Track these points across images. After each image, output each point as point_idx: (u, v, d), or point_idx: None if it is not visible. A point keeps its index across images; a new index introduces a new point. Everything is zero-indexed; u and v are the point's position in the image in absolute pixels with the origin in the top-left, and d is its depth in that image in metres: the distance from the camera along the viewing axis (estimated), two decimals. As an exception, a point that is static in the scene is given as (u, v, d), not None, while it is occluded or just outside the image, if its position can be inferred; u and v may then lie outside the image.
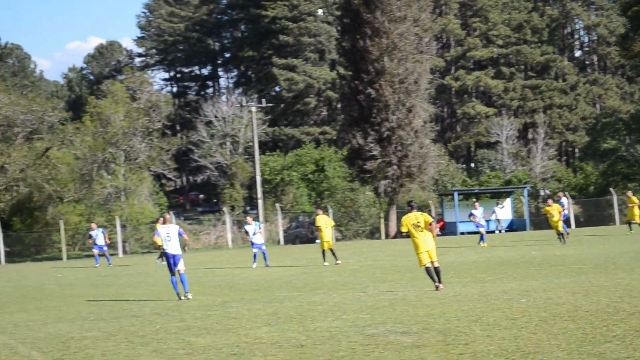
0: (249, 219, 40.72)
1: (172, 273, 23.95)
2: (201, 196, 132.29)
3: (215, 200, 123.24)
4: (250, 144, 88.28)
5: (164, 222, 24.99)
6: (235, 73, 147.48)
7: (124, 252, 71.02)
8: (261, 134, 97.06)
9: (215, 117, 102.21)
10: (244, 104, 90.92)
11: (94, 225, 52.33)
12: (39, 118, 79.65)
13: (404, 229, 22.05)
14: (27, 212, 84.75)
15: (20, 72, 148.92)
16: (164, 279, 33.53)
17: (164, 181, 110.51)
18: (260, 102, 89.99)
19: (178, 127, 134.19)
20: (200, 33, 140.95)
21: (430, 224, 21.88)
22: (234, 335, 15.86)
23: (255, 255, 38.24)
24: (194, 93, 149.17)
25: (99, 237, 48.56)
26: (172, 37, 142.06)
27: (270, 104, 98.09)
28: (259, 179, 78.07)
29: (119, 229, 69.81)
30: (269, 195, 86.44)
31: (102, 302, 24.43)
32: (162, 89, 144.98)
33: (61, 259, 66.88)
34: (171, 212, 77.00)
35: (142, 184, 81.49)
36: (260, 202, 76.71)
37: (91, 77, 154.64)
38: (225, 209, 77.82)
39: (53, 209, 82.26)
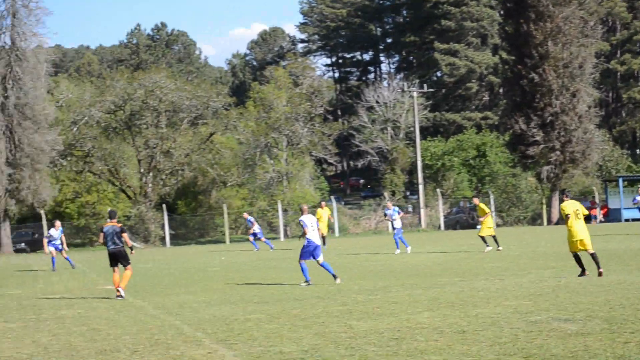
0: (389, 204, 41.67)
1: (304, 259, 24.30)
2: (361, 181, 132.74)
3: (369, 186, 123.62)
4: (411, 129, 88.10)
5: (302, 213, 25.09)
6: (396, 58, 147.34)
7: (285, 235, 71.89)
8: (422, 119, 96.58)
9: (377, 102, 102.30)
10: (405, 89, 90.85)
11: (246, 215, 53.51)
12: (203, 103, 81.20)
13: (567, 212, 21.97)
14: (191, 195, 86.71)
15: (185, 59, 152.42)
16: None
17: (325, 166, 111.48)
18: (421, 87, 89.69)
19: (339, 112, 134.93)
20: (362, 18, 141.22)
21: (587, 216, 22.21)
22: (395, 319, 15.82)
23: (397, 241, 38.32)
24: (355, 78, 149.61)
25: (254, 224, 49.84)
26: (334, 23, 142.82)
27: (432, 89, 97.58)
28: (419, 164, 77.94)
29: (280, 213, 70.73)
30: (430, 181, 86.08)
31: (264, 285, 24.75)
32: (324, 74, 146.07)
33: (224, 242, 68.19)
34: (332, 197, 77.81)
35: (303, 169, 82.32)
36: (420, 187, 76.61)
37: (254, 63, 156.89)
38: (385, 193, 77.93)
39: (217, 193, 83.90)
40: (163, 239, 72.91)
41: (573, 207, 22.07)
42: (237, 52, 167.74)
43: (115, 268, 22.72)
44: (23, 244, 68.82)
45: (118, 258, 22.52)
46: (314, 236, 24.36)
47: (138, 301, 21.65)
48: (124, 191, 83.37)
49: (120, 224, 22.86)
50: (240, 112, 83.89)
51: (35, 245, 70.22)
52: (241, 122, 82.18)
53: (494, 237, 35.72)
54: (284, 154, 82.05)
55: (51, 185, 73.69)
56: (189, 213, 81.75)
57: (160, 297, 22.41)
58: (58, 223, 38.85)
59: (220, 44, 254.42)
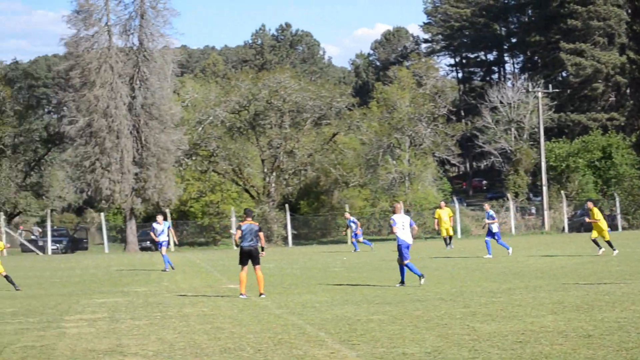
0: (486, 205, 41.59)
1: (407, 260, 24.67)
2: (484, 182, 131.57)
3: (484, 188, 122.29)
4: (536, 130, 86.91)
5: (395, 212, 25.33)
6: (521, 58, 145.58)
7: (408, 237, 71.68)
8: (547, 119, 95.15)
9: (501, 102, 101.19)
10: (529, 89, 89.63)
11: (347, 215, 54.20)
12: (327, 104, 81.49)
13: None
14: (314, 195, 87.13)
15: (309, 59, 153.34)
16: (446, 264, 33.58)
17: (447, 167, 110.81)
18: (546, 88, 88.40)
19: (463, 113, 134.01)
20: (486, 18, 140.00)
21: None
22: (519, 322, 15.65)
23: (488, 245, 38.07)
24: (479, 79, 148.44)
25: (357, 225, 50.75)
26: (458, 23, 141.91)
27: (557, 90, 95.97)
28: (544, 165, 76.86)
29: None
30: (554, 182, 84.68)
31: (386, 286, 24.71)
32: (447, 74, 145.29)
33: (346, 242, 68.32)
34: (454, 198, 77.24)
35: (426, 170, 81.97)
36: (544, 189, 75.53)
37: (377, 63, 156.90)
38: (508, 195, 77.04)
39: (339, 193, 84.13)
40: (285, 238, 73.44)
41: None
42: (361, 52, 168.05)
43: (245, 267, 22.86)
44: (148, 242, 70.10)
45: (252, 256, 22.77)
46: (404, 235, 24.69)
47: (261, 300, 21.84)
48: (247, 191, 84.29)
49: (257, 223, 23.24)
50: (363, 112, 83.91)
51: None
52: (364, 122, 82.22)
53: (608, 241, 34.99)
54: (407, 155, 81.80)
55: (176, 185, 74.98)
56: (311, 213, 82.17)
57: (282, 297, 22.58)
58: (160, 217, 38.19)
59: (344, 44, 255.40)
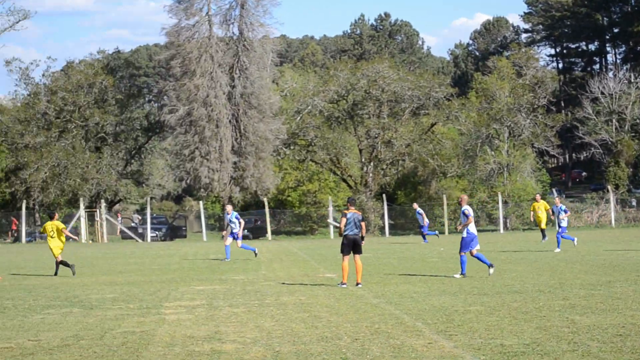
0: (557, 200, 41.44)
1: (465, 252, 25.22)
2: (583, 174, 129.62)
3: (584, 180, 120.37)
4: (638, 121, 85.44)
5: (461, 204, 25.87)
6: (623, 48, 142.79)
7: (505, 228, 71.08)
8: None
9: (602, 93, 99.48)
10: (632, 80, 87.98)
11: (415, 205, 53.81)
12: (425, 94, 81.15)
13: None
14: (411, 186, 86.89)
15: (408, 49, 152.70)
16: (545, 256, 33.18)
17: (546, 158, 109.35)
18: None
19: (563, 104, 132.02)
20: (588, 8, 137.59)
21: None
22: (619, 315, 15.44)
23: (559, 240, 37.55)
24: (579, 69, 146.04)
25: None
26: (560, 13, 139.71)
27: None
28: (645, 157, 75.48)
29: (500, 205, 70.01)
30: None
31: (483, 277, 24.52)
32: (548, 65, 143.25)
33: (443, 233, 68.00)
34: (554, 190, 76.29)
35: (525, 161, 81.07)
36: (646, 181, 74.23)
37: (477, 53, 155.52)
38: (609, 187, 75.84)
39: (436, 184, 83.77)
40: (382, 228, 73.41)
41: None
42: (460, 42, 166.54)
43: (347, 256, 22.87)
44: (246, 230, 70.66)
45: (355, 244, 22.88)
46: (472, 227, 25.20)
47: (358, 290, 21.86)
48: (344, 180, 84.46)
49: (360, 212, 23.43)
50: (462, 102, 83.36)
51: (258, 232, 72.15)
52: (463, 112, 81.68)
53: None
54: (505, 145, 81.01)
55: (274, 174, 75.46)
56: (408, 203, 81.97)
57: (380, 286, 22.56)
58: (229, 208, 38.57)
59: (443, 34, 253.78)
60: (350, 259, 22.92)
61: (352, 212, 23.02)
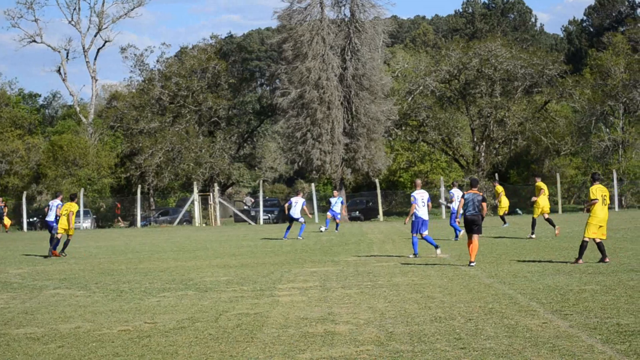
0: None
1: (415, 234, 26.71)
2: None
3: None
4: None
5: (416, 188, 27.51)
6: None
7: (620, 206, 69.87)
8: None
9: None
10: None
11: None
12: (539, 72, 80.00)
13: (593, 197, 21.89)
14: (523, 164, 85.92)
15: (520, 27, 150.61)
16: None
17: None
18: None
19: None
20: None
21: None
22: None
23: None
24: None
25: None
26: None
27: None
28: None
29: (615, 182, 68.77)
30: None
31: (598, 256, 24.11)
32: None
33: (557, 212, 67.07)
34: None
35: (640, 138, 79.40)
36: None
37: (591, 29, 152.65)
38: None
39: (550, 162, 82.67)
40: (495, 208, 72.75)
41: (603, 192, 22.08)
42: (574, 19, 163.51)
43: (471, 235, 23.21)
44: (357, 212, 70.86)
45: (473, 224, 23.22)
46: (422, 212, 26.68)
47: (471, 270, 21.74)
48: (456, 160, 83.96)
49: (481, 193, 23.88)
50: (575, 79, 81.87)
51: (369, 213, 72.21)
52: (577, 89, 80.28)
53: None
54: (620, 122, 79.44)
55: (386, 155, 75.35)
56: (521, 182, 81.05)
57: (493, 266, 22.40)
58: (336, 193, 42.43)
59: (556, 11, 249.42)
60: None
61: (472, 193, 23.44)
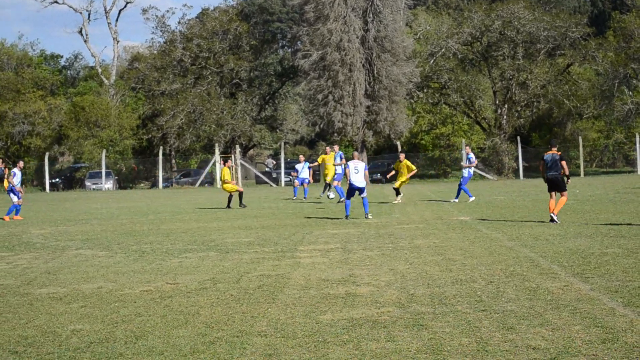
0: None
1: (349, 198, 28.35)
2: None
3: None
4: None
5: (353, 158, 28.88)
6: None
7: (645, 170, 69.65)
8: None
9: None
10: None
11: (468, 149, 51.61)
12: (561, 34, 79.53)
13: None
14: (546, 128, 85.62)
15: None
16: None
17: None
18: None
19: None
20: None
21: None
22: None
23: None
24: None
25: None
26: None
27: None
28: None
29: (638, 146, 68.53)
30: None
31: (620, 219, 24.05)
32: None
33: (578, 175, 66.82)
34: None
35: (664, 100, 78.93)
36: None
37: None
38: None
39: (572, 125, 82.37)
40: (516, 171, 72.63)
41: None
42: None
43: (552, 193, 23.89)
44: (378, 174, 70.76)
45: (555, 184, 23.85)
46: (355, 179, 27.98)
47: (492, 232, 21.71)
48: (478, 123, 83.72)
49: (560, 152, 24.18)
50: (599, 42, 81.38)
51: (391, 176, 72.12)
52: (600, 52, 79.82)
53: None
54: (644, 85, 78.99)
55: (407, 117, 75.20)
56: (543, 146, 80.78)
57: (514, 229, 22.36)
58: (302, 157, 42.17)
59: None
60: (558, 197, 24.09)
61: (550, 154, 23.96)
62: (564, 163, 23.79)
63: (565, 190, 23.99)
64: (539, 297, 11.94)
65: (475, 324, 10.28)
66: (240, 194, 36.28)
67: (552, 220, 23.62)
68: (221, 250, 19.53)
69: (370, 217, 27.77)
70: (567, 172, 23.93)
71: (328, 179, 40.26)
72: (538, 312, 10.82)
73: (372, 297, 12.40)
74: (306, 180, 43.13)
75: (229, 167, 36.46)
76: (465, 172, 37.13)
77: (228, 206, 36.10)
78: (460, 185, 36.85)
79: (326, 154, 40.68)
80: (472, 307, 11.37)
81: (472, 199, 35.70)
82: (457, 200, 36.13)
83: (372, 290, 13.00)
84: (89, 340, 10.16)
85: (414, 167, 36.46)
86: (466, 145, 43.57)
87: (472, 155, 37.77)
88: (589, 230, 21.41)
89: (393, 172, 38.33)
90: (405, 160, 36.49)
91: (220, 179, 36.81)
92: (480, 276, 14.05)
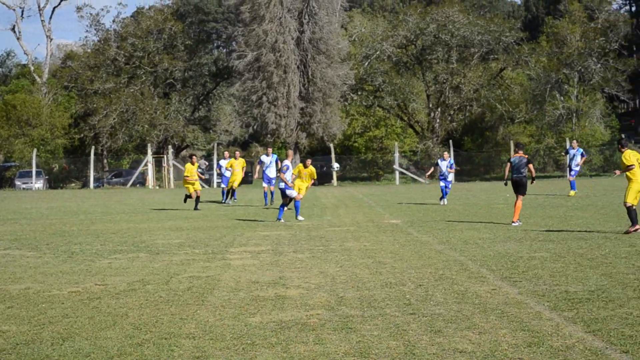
0: (574, 143, 40.88)
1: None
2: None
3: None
4: None
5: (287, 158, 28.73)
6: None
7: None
8: None
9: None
10: None
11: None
12: (495, 39, 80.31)
13: (629, 163, 21.02)
14: (478, 131, 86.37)
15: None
16: (612, 203, 32.77)
17: (616, 103, 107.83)
18: None
19: (635, 48, 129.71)
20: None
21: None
22: (687, 264, 15.31)
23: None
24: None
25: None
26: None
27: None
28: None
29: (570, 150, 69.43)
30: None
31: (549, 224, 24.35)
32: (620, 8, 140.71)
33: (510, 179, 67.45)
34: (622, 135, 75.26)
35: (594, 106, 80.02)
36: None
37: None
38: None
39: (504, 130, 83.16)
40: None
41: (635, 157, 21.11)
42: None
43: (519, 196, 24.74)
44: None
45: (520, 185, 24.76)
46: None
47: (423, 236, 21.85)
48: (411, 126, 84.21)
49: (527, 156, 25.04)
50: (532, 47, 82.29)
51: (324, 178, 72.21)
52: (532, 57, 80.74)
53: None
54: (575, 91, 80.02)
55: (341, 120, 75.39)
56: (475, 149, 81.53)
57: (444, 233, 22.53)
58: (269, 150, 38.70)
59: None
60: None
61: (518, 156, 24.85)
62: (531, 166, 24.76)
63: (524, 194, 24.81)
64: (467, 300, 12.04)
65: (403, 327, 10.34)
66: (197, 197, 34.95)
67: (513, 222, 24.48)
68: (151, 251, 19.41)
69: (301, 219, 27.72)
70: (533, 175, 25.13)
71: (235, 185, 39.05)
72: (466, 316, 10.91)
73: (302, 300, 12.41)
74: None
75: (192, 164, 35.24)
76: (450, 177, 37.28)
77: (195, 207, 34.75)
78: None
79: (235, 158, 39.18)
80: (401, 310, 11.43)
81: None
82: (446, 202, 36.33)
83: (302, 293, 13.02)
84: (15, 341, 10.05)
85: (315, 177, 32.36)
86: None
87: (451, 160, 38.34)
88: (518, 234, 21.64)
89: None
90: (312, 167, 31.82)
91: (185, 175, 35.15)
92: (410, 279, 14.13)
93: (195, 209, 34.44)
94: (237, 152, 40.63)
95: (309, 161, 30.20)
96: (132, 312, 11.77)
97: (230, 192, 39.55)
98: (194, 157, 36.75)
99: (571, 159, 39.94)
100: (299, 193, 28.26)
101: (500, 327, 10.21)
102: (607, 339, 9.48)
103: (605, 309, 11.20)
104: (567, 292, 12.52)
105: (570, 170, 39.81)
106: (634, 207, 21.19)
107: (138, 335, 10.27)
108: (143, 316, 11.44)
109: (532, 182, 25.12)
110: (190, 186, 35.00)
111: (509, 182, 25.26)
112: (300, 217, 27.78)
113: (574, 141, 43.68)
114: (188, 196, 35.53)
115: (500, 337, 9.65)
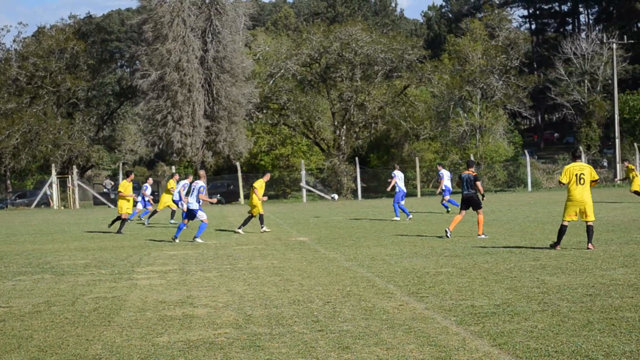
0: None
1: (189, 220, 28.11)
2: (556, 135, 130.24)
3: (556, 141, 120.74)
4: (609, 81, 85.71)
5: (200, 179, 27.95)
6: (596, 9, 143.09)
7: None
8: (621, 71, 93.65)
9: (574, 54, 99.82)
10: (604, 40, 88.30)
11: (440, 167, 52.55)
12: (398, 56, 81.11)
13: (564, 180, 20.50)
14: (384, 148, 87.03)
15: (381, 12, 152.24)
16: (517, 217, 33.29)
17: (519, 119, 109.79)
18: (621, 39, 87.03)
19: (535, 65, 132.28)
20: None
21: (595, 181, 20.42)
22: (589, 275, 15.59)
23: None
24: (552, 30, 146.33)
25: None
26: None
27: (632, 41, 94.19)
28: (617, 117, 75.84)
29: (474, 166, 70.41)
30: (627, 135, 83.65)
31: (455, 239, 24.65)
32: (521, 26, 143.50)
33: (416, 195, 68.15)
34: (526, 151, 76.59)
35: (497, 122, 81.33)
36: (617, 141, 74.65)
37: (450, 15, 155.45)
38: (580, 147, 76.31)
39: (409, 146, 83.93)
40: (355, 191, 73.50)
41: (577, 171, 20.23)
42: (433, 4, 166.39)
43: (463, 211, 25.54)
44: (218, 195, 70.61)
45: (471, 202, 25.17)
46: (191, 201, 27.36)
47: (330, 253, 21.91)
48: (317, 144, 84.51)
49: (475, 173, 25.39)
50: (434, 64, 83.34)
51: (230, 197, 72.03)
52: (436, 75, 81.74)
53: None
54: (478, 107, 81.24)
55: (247, 138, 75.35)
56: (381, 166, 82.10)
57: (352, 249, 22.62)
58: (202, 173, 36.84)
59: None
60: (471, 214, 25.82)
61: (466, 173, 25.26)
62: (478, 183, 25.13)
63: (480, 207, 25.23)
64: (375, 316, 12.10)
65: (311, 344, 10.36)
66: (123, 220, 32.70)
67: (446, 235, 25.15)
68: (57, 272, 19.13)
69: (199, 241, 26.97)
70: (481, 192, 25.23)
71: (122, 212, 35.79)
72: (373, 332, 10.97)
73: (209, 319, 12.35)
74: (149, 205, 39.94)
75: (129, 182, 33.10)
76: (398, 189, 36.85)
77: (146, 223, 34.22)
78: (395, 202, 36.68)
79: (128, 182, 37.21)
80: (309, 327, 11.45)
81: (397, 218, 35.97)
82: (411, 216, 36.26)
83: (210, 312, 12.96)
84: None
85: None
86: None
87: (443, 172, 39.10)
88: (425, 250, 21.84)
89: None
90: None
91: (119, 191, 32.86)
92: (318, 296, 14.15)
93: (119, 232, 32.37)
94: (132, 176, 37.22)
95: (202, 171, 30.07)
96: (37, 334, 11.59)
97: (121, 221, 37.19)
98: (131, 174, 34.39)
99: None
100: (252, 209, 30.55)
101: (408, 342, 10.29)
102: (513, 353, 9.61)
103: (510, 322, 11.36)
104: (474, 306, 12.67)
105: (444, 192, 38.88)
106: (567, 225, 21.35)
107: (43, 357, 10.11)
108: (49, 338, 11.27)
109: (482, 199, 25.35)
110: (123, 204, 32.69)
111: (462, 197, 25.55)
112: (199, 240, 26.97)
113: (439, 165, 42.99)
114: (118, 218, 33.28)
115: (407, 353, 9.72)
